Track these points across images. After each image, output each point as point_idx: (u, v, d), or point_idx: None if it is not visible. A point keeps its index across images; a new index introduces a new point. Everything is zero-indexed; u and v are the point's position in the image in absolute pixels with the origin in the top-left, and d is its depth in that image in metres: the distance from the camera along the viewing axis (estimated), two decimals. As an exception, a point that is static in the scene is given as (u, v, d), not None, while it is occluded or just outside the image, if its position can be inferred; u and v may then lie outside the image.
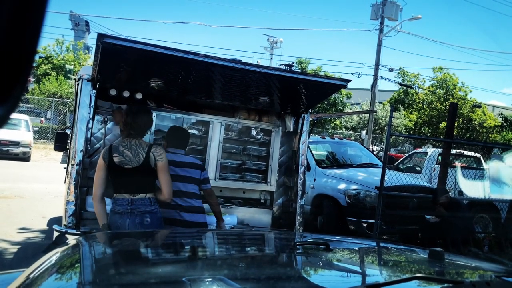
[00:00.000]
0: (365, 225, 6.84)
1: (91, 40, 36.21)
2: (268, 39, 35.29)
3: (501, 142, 19.00)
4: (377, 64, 22.77)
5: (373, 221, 6.16)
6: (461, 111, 24.19)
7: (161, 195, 3.51)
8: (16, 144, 14.94)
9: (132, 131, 3.50)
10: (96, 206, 3.51)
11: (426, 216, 6.38)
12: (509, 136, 19.71)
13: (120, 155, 3.44)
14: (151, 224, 3.44)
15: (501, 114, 13.91)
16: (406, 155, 13.46)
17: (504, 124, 12.14)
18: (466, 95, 27.92)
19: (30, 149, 15.50)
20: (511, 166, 7.07)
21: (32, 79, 26.79)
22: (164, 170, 3.49)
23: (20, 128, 15.67)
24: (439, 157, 9.32)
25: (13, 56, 0.67)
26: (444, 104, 25.53)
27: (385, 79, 24.68)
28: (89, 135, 4.29)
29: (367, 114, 24.17)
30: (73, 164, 4.08)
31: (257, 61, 26.44)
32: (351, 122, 29.34)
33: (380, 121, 27.49)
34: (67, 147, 6.02)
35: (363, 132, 25.34)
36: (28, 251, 5.45)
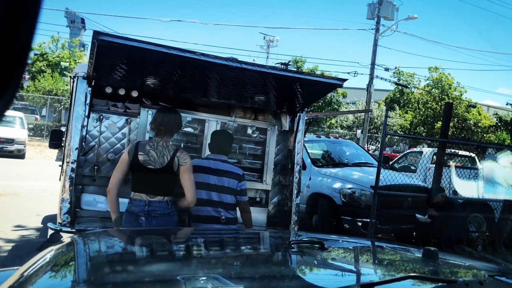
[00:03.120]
0: (360, 224, 6.86)
1: (86, 38, 36.24)
2: (264, 37, 35.36)
3: (496, 142, 19.08)
4: (373, 64, 22.83)
5: (368, 220, 6.18)
6: (456, 111, 24.30)
7: (184, 200, 3.47)
8: (11, 141, 14.86)
9: (161, 127, 3.50)
10: (110, 197, 3.47)
11: (417, 215, 6.41)
12: (504, 136, 19.80)
13: (146, 154, 3.43)
14: (166, 227, 3.36)
15: (496, 114, 13.98)
16: (401, 154, 13.50)
17: (499, 124, 12.19)
18: (461, 95, 28.08)
19: (24, 146, 15.42)
20: (505, 166, 7.10)
21: (27, 76, 26.68)
22: (187, 174, 3.45)
23: (15, 126, 15.60)
24: (434, 157, 9.35)
25: (7, 52, 0.67)
26: (440, 103, 25.64)
27: (381, 78, 24.80)
28: (84, 133, 4.27)
29: (363, 113, 24.22)
30: (68, 162, 4.07)
31: (253, 60, 26.42)
32: (346, 121, 29.42)
33: (376, 120, 27.57)
34: (62, 144, 6.00)
35: (359, 131, 25.40)
36: (22, 249, 5.43)
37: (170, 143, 3.60)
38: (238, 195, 3.92)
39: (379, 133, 23.93)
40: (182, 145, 4.54)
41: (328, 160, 8.73)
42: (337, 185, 7.30)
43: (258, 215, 5.06)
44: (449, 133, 7.73)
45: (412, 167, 11.03)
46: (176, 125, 3.64)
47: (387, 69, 24.76)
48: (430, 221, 6.25)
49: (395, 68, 28.08)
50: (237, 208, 4.02)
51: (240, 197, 3.94)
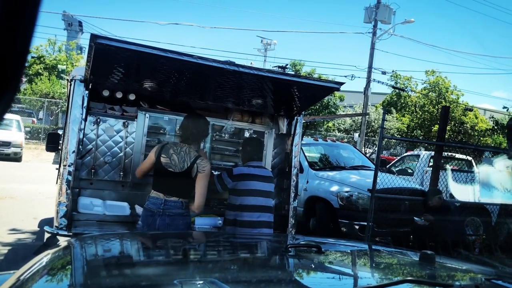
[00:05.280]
0: (357, 227, 6.86)
1: (84, 41, 36.14)
2: (261, 40, 35.41)
3: (492, 145, 19.13)
4: (370, 67, 22.87)
5: (365, 223, 6.17)
6: (453, 114, 24.36)
7: (192, 205, 3.60)
8: (7, 144, 14.81)
9: (191, 137, 3.68)
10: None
11: (415, 218, 6.41)
12: (500, 139, 19.87)
13: (168, 157, 3.61)
14: (178, 227, 3.55)
15: (492, 117, 14.03)
16: (399, 157, 13.52)
17: (495, 127, 12.22)
18: (458, 98, 28.13)
19: (21, 149, 15.37)
20: (501, 170, 7.12)
21: (24, 79, 26.60)
22: (202, 181, 3.58)
23: (12, 128, 15.54)
24: (431, 160, 9.37)
25: (5, 56, 0.67)
26: (436, 107, 25.70)
27: (378, 81, 24.83)
28: (81, 136, 4.26)
29: (360, 117, 24.26)
30: (65, 165, 4.06)
31: (251, 63, 26.45)
32: (344, 125, 29.44)
33: (373, 123, 27.60)
34: (59, 148, 5.99)
35: (356, 135, 25.43)
36: (19, 253, 5.40)
37: (195, 149, 3.72)
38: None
39: (376, 137, 23.97)
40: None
41: (325, 163, 8.74)
42: (335, 188, 7.30)
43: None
44: (446, 136, 7.74)
45: (409, 171, 11.05)
46: (204, 134, 3.83)
47: (384, 73, 24.83)
48: (428, 224, 6.25)
49: (392, 71, 28.14)
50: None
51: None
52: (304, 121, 5.19)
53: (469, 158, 9.69)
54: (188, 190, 3.62)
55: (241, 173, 4.16)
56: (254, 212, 4.06)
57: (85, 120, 4.28)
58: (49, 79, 25.74)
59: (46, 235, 4.03)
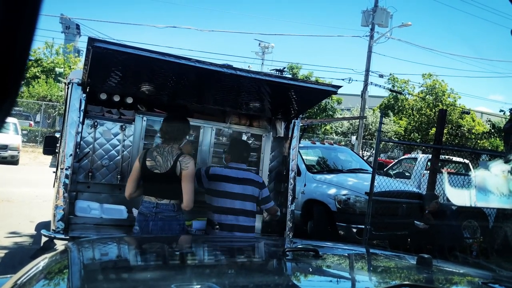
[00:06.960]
0: (355, 230, 6.86)
1: (81, 43, 36.17)
2: (259, 44, 35.45)
3: (489, 148, 19.20)
4: (367, 70, 22.93)
5: (363, 226, 6.18)
6: (450, 117, 24.44)
7: (182, 203, 3.62)
8: (4, 147, 14.76)
9: (171, 137, 3.70)
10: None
11: (415, 222, 6.42)
12: (497, 142, 19.93)
13: (152, 160, 3.64)
14: (172, 229, 3.56)
15: (489, 120, 14.07)
16: (396, 160, 13.54)
17: (492, 130, 12.26)
18: (455, 101, 28.24)
19: (18, 152, 15.32)
20: (497, 175, 7.13)
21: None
22: (187, 179, 3.60)
23: (9, 131, 15.49)
24: (429, 163, 9.39)
25: (6, 62, 0.67)
26: (434, 110, 25.78)
27: (375, 85, 24.86)
28: (78, 139, 4.25)
29: (357, 120, 24.30)
30: (62, 168, 4.05)
31: (248, 66, 26.49)
32: (341, 128, 29.46)
33: (370, 126, 27.63)
34: (56, 151, 5.97)
35: (353, 138, 25.47)
36: (16, 257, 5.38)
37: (179, 148, 3.74)
38: (262, 203, 4.12)
39: (374, 139, 23.99)
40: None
41: (323, 167, 8.74)
42: (332, 191, 7.30)
43: (253, 221, 5.04)
44: (443, 139, 7.76)
45: (407, 173, 11.06)
46: (180, 131, 3.79)
47: (381, 76, 24.89)
48: (428, 228, 6.24)
49: (390, 74, 28.24)
50: (257, 216, 4.25)
51: (265, 206, 4.16)
52: (301, 124, 5.20)
53: (466, 161, 9.71)
54: (177, 190, 3.62)
55: (214, 174, 4.03)
56: (229, 215, 3.93)
57: (83, 123, 4.27)
58: (46, 82, 25.71)
59: (43, 239, 4.02)
